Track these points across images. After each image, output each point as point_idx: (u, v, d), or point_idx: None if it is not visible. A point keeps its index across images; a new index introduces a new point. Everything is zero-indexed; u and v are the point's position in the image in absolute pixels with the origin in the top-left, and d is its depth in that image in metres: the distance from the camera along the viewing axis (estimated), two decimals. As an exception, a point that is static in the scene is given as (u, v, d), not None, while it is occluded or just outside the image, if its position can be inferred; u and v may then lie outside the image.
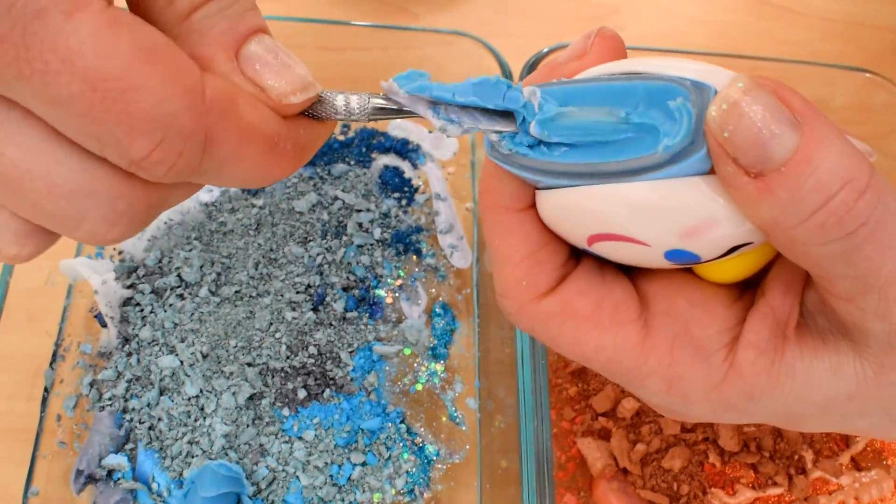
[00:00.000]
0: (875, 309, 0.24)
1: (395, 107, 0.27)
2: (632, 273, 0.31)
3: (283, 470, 0.47)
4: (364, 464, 0.48)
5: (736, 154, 0.22)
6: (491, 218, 0.30)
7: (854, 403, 0.26)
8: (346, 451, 0.48)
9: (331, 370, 0.50)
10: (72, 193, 0.21)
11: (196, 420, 0.48)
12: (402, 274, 0.54)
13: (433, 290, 0.54)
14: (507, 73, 0.56)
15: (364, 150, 0.57)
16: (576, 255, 0.31)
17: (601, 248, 0.28)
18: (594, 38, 0.29)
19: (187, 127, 0.21)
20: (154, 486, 0.47)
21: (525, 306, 0.29)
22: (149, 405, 0.49)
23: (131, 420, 0.49)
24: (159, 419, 0.48)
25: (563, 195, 0.27)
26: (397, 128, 0.59)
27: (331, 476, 0.47)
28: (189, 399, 0.48)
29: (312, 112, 0.26)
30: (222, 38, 0.23)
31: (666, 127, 0.24)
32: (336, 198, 0.55)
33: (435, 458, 0.49)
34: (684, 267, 0.29)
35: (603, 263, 0.30)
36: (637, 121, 0.25)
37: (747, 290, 0.30)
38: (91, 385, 0.50)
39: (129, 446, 0.49)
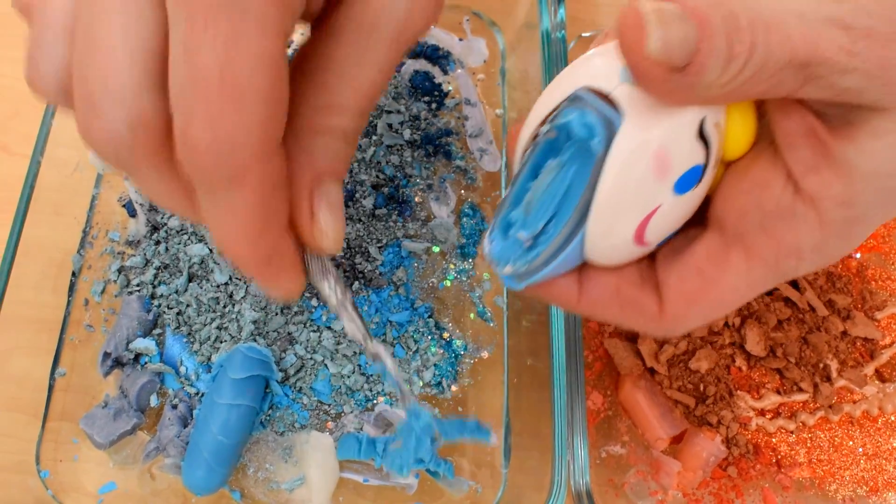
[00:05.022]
0: (855, 81, 0.25)
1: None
2: (699, 225, 0.32)
3: (311, 358, 0.47)
4: (392, 356, 0.48)
5: (672, 56, 0.24)
6: None
7: None
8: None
9: (360, 263, 0.49)
10: None
11: (225, 306, 0.48)
12: (431, 175, 0.53)
13: (462, 192, 0.54)
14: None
15: (394, 54, 0.57)
16: None
17: (651, 239, 0.30)
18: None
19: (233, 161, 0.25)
20: (182, 369, 0.47)
21: None
22: (177, 291, 0.48)
23: (159, 305, 0.49)
24: (188, 305, 0.48)
25: (590, 243, 0.29)
26: (428, 35, 0.58)
27: (359, 365, 0.47)
28: (218, 286, 0.48)
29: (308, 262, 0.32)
30: (319, 164, 0.28)
31: (584, 135, 0.27)
32: (366, 98, 0.54)
33: (463, 353, 0.49)
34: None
35: None
36: (569, 154, 0.28)
37: (767, 150, 0.30)
38: (119, 271, 0.50)
39: (156, 331, 0.48)
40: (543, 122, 0.29)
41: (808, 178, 0.27)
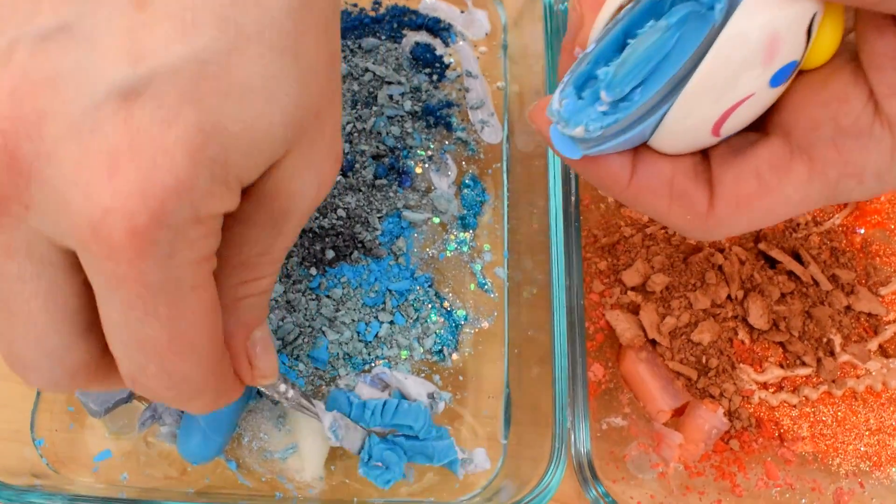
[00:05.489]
0: None
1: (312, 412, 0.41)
2: (758, 129, 0.31)
3: (309, 326, 0.47)
4: (392, 322, 0.47)
5: None
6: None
7: None
8: (374, 310, 0.47)
9: (359, 233, 0.49)
10: None
11: (223, 274, 0.47)
12: (431, 146, 0.53)
13: (463, 164, 0.53)
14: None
15: (395, 26, 0.56)
16: None
17: (726, 130, 0.29)
18: (578, 4, 0.31)
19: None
20: (179, 337, 0.47)
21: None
22: (175, 259, 0.48)
23: (157, 274, 0.48)
24: (185, 273, 0.48)
25: (669, 122, 0.28)
26: (430, 7, 0.58)
27: (358, 332, 0.47)
28: (216, 254, 0.48)
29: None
30: (248, 321, 0.30)
31: (707, 2, 0.26)
32: (367, 69, 0.54)
33: (463, 322, 0.49)
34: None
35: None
36: (677, 18, 0.26)
37: (849, 65, 0.29)
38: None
39: (153, 300, 0.48)
40: None
41: (892, 101, 0.27)
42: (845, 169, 0.28)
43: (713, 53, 0.26)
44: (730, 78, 0.26)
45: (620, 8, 0.28)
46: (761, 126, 0.30)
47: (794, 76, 0.29)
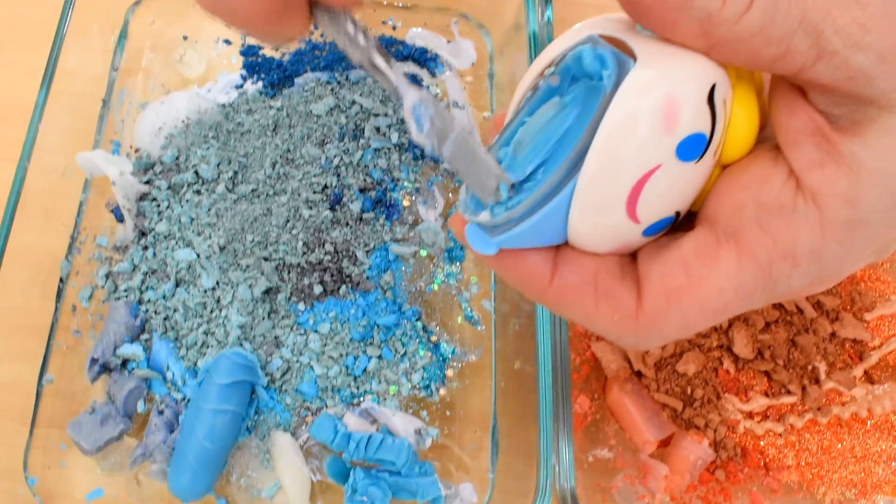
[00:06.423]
0: (868, 62, 0.24)
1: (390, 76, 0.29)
2: (680, 224, 0.30)
3: (297, 360, 0.47)
4: (380, 357, 0.48)
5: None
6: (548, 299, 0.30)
7: None
8: (362, 344, 0.48)
9: (347, 267, 0.49)
10: None
11: (212, 311, 0.48)
12: (419, 178, 0.53)
13: (450, 196, 0.54)
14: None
15: (382, 57, 0.57)
16: None
17: (644, 213, 0.28)
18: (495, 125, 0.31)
19: None
20: (168, 374, 0.47)
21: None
22: (164, 297, 0.48)
23: (146, 311, 0.49)
24: (175, 310, 0.48)
25: (579, 200, 0.27)
26: (416, 37, 0.58)
27: (346, 367, 0.47)
28: (205, 291, 0.48)
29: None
30: None
31: (596, 73, 0.26)
32: (354, 102, 0.54)
33: (450, 356, 0.49)
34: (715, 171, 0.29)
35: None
36: (572, 95, 0.27)
37: (769, 152, 0.29)
38: (107, 277, 0.50)
39: (143, 337, 0.48)
40: (542, 74, 0.28)
41: (812, 174, 0.26)
42: (775, 249, 0.27)
43: (609, 118, 0.25)
44: (631, 144, 0.26)
45: (522, 99, 0.28)
46: (688, 229, 0.29)
47: (720, 172, 0.29)
